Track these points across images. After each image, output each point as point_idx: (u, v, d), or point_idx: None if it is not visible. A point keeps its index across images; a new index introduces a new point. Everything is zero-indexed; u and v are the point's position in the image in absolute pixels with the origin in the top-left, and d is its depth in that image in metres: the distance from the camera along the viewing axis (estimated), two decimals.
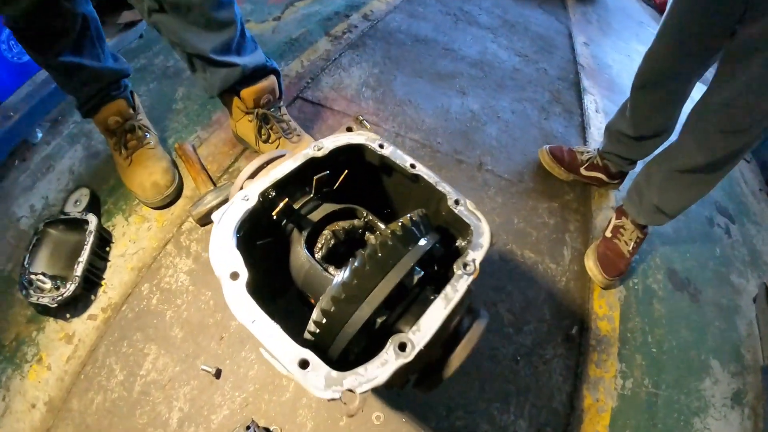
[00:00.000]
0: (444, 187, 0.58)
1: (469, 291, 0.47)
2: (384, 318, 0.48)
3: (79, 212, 1.06)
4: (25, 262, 0.97)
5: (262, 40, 1.77)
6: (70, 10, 0.96)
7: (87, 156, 1.28)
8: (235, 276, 0.48)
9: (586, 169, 1.40)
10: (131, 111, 1.15)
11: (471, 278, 0.48)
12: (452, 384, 0.96)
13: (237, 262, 0.49)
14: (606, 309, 1.20)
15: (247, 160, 1.24)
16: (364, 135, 0.64)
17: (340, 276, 0.48)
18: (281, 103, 1.20)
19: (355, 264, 0.47)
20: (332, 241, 0.61)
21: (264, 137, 1.16)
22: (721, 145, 1.00)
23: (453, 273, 0.48)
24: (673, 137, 1.15)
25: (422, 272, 0.51)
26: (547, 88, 1.93)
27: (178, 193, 1.17)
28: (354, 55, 1.74)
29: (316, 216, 0.64)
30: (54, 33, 0.97)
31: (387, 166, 0.66)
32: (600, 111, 1.85)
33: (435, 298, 0.46)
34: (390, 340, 0.44)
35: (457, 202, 0.58)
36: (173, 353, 0.92)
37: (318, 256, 0.62)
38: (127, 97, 1.15)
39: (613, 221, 1.27)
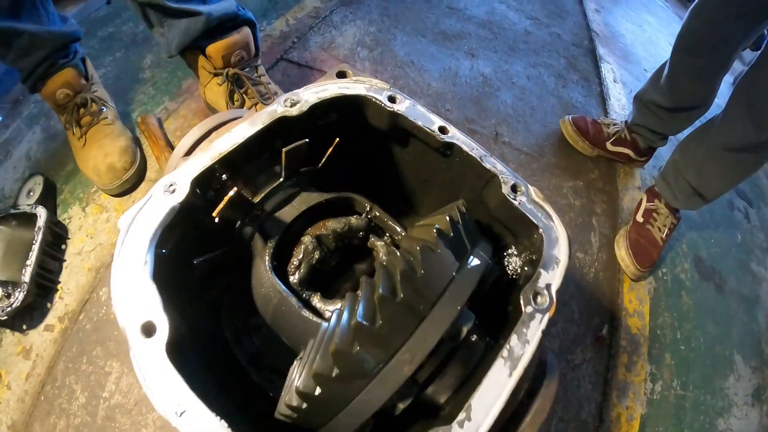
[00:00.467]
0: (494, 165, 0.39)
1: (542, 339, 0.30)
2: (410, 399, 0.30)
3: (29, 205, 0.88)
4: None
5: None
6: None
7: (46, 138, 1.12)
8: (149, 330, 0.29)
9: (613, 143, 1.24)
10: (83, 81, 0.97)
11: (547, 317, 0.30)
12: None
13: (153, 302, 0.30)
14: (636, 304, 1.09)
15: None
16: (365, 82, 0.44)
17: (331, 323, 0.29)
18: (258, 61, 1.01)
19: (359, 307, 0.28)
20: (316, 254, 0.40)
21: (237, 103, 0.97)
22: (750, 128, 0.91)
23: (513, 308, 0.30)
24: (710, 113, 1.04)
25: (473, 317, 0.33)
26: (562, 53, 1.75)
27: (140, 177, 0.99)
28: (347, 12, 1.53)
29: (289, 213, 0.43)
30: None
31: (401, 131, 0.45)
32: (618, 81, 1.69)
33: (488, 348, 0.28)
34: None
35: (514, 188, 0.39)
36: None
37: (294, 278, 0.42)
38: (78, 65, 0.97)
39: (645, 204, 1.13)
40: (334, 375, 0.27)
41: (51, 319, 0.84)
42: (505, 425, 0.31)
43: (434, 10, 1.71)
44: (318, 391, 0.28)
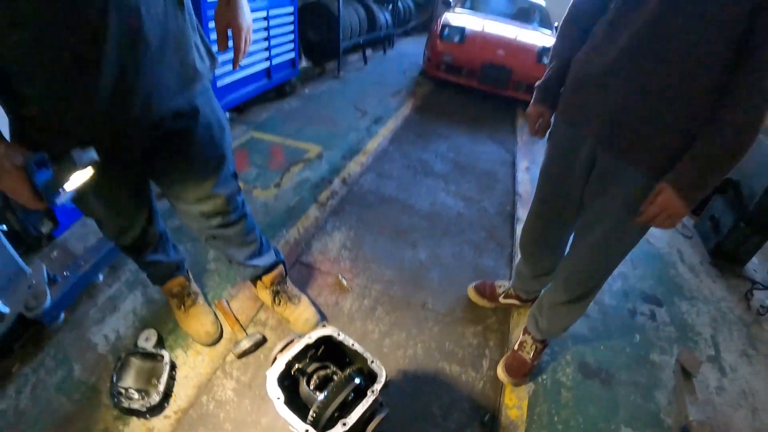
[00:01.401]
0: (366, 355, 1.13)
1: (375, 401, 1.03)
2: (338, 413, 1.02)
3: (153, 347, 1.57)
4: (114, 379, 1.44)
5: (268, 208, 2.41)
6: (155, 232, 1.50)
7: (146, 302, 1.75)
8: (279, 398, 1.02)
9: (504, 298, 1.92)
10: (187, 282, 1.68)
11: (374, 396, 1.02)
12: None
13: (278, 392, 1.03)
14: (516, 400, 1.59)
15: (266, 313, 1.78)
16: (330, 329, 1.20)
17: (320, 396, 1.02)
18: (287, 279, 1.77)
19: (325, 393, 1.01)
20: (317, 380, 1.12)
21: (276, 303, 1.71)
22: (576, 288, 1.43)
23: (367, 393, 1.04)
24: None
25: (352, 394, 1.06)
26: (485, 226, 2.52)
27: (220, 336, 1.67)
28: (335, 221, 2.37)
29: (310, 369, 1.15)
30: (145, 246, 1.47)
31: (341, 343, 1.21)
32: None
33: (359, 402, 1.01)
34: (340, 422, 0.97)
35: (372, 361, 1.11)
36: None
37: (311, 386, 1.12)
38: (186, 274, 1.67)
39: (520, 337, 1.72)
40: (320, 407, 1.00)
41: (169, 411, 1.41)
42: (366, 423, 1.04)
43: (393, 209, 2.53)
44: (317, 411, 1.00)
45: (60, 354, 1.56)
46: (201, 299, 1.70)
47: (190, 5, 1.01)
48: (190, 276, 1.71)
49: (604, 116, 1.14)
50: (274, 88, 4.13)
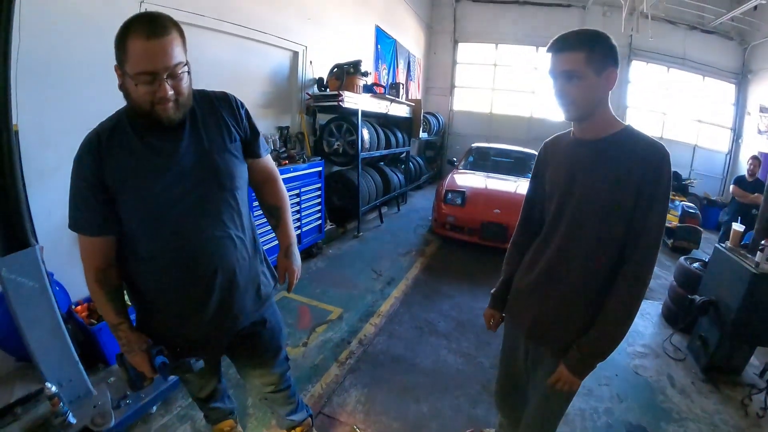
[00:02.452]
0: None
1: None
2: None
3: None
4: None
5: (297, 364, 2.92)
6: (220, 388, 1.95)
7: None
8: None
9: None
10: (235, 424, 2.04)
11: None
12: None
13: None
14: None
15: None
16: None
17: None
18: (313, 429, 2.17)
19: None
20: None
21: None
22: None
23: None
24: None
25: None
26: (480, 380, 2.91)
27: None
28: (352, 378, 2.85)
29: None
30: (212, 398, 1.86)
31: None
32: None
33: None
34: None
35: None
36: None
37: None
38: (234, 418, 2.03)
39: None
40: None
41: None
42: None
43: (401, 369, 2.98)
44: None
45: None
46: None
47: (260, 245, 1.66)
48: (237, 419, 2.15)
49: (529, 318, 1.57)
50: (304, 250, 4.89)
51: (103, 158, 1.23)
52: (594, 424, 2.47)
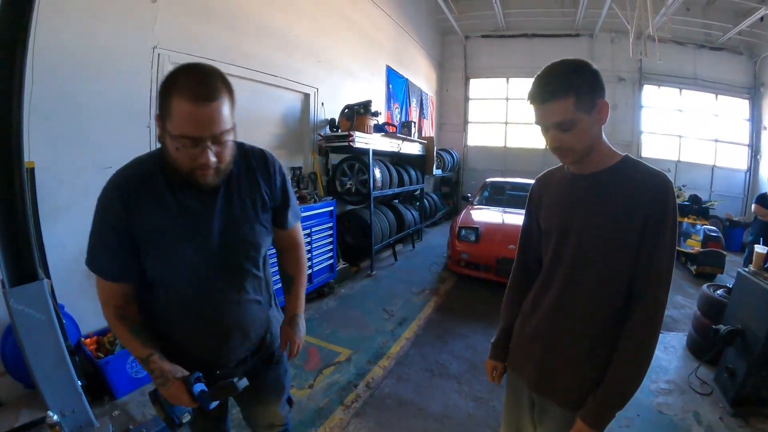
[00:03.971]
0: None
1: None
2: None
3: None
4: None
5: (301, 407, 2.85)
6: (225, 429, 1.76)
7: None
8: None
9: None
10: None
11: None
12: None
13: None
14: None
15: None
16: None
17: None
18: None
19: None
20: None
21: None
22: None
23: None
24: None
25: None
26: (492, 426, 2.77)
27: None
28: (358, 423, 2.75)
29: None
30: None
31: None
32: None
33: None
34: None
35: None
36: None
37: None
38: None
39: None
40: None
41: None
42: None
43: (408, 413, 2.86)
44: None
45: None
46: None
47: (273, 292, 1.65)
48: None
49: (533, 368, 1.47)
50: (315, 290, 4.85)
51: (131, 209, 1.20)
52: None
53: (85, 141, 3.04)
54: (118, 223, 1.20)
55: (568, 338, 1.40)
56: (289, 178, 4.92)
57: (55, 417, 1.99)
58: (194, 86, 1.06)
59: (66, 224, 2.93)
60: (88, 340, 3.00)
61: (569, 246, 1.38)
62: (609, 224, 1.28)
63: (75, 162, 2.99)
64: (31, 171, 2.56)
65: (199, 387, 1.25)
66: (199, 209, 1.26)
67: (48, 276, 2.38)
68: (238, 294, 1.38)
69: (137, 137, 3.40)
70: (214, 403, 1.29)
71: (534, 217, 1.59)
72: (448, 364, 3.58)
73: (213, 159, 1.14)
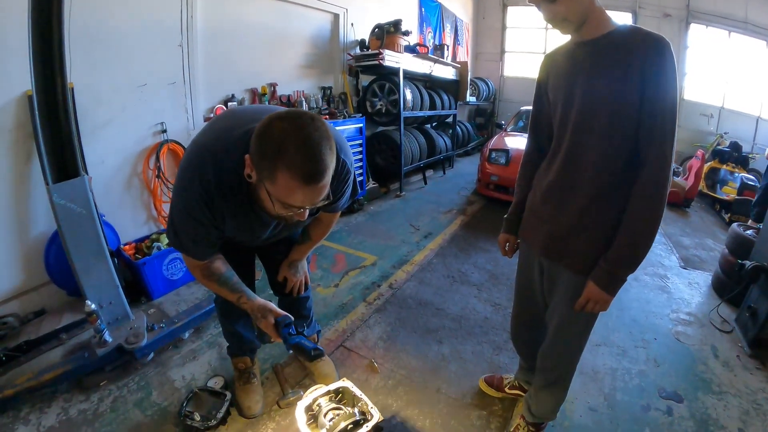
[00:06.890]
0: (368, 402, 1.58)
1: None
2: None
3: (219, 388, 2.06)
4: (184, 404, 1.92)
5: (326, 302, 3.06)
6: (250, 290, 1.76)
7: (220, 358, 2.35)
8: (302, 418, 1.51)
9: (509, 388, 2.21)
10: (251, 364, 2.07)
11: (367, 429, 1.47)
12: None
13: (303, 416, 1.52)
14: None
15: (310, 380, 2.09)
16: (347, 382, 1.69)
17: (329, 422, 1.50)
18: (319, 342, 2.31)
19: (332, 419, 1.51)
20: (330, 414, 1.56)
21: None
22: (550, 373, 1.69)
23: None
24: None
25: (352, 425, 1.48)
26: (507, 330, 2.75)
27: (261, 408, 2.00)
28: (378, 317, 2.90)
29: (328, 407, 1.60)
30: (239, 316, 1.92)
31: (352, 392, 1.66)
32: None
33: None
34: None
35: (371, 407, 1.56)
36: None
37: (326, 417, 1.55)
38: (252, 357, 2.08)
39: (516, 421, 1.99)
40: None
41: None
42: None
43: (427, 312, 2.99)
44: None
45: (143, 381, 2.19)
46: (256, 380, 2.08)
47: None
48: (256, 360, 2.16)
49: (544, 234, 1.54)
50: None
51: (215, 208, 1.30)
52: (625, 384, 2.33)
53: (120, 62, 3.20)
54: (208, 221, 1.32)
55: (576, 202, 1.43)
56: (318, 95, 4.86)
57: (93, 305, 2.17)
58: (305, 164, 1.02)
59: (105, 141, 3.17)
60: (126, 247, 3.19)
61: (574, 110, 1.39)
62: (609, 84, 1.28)
63: (111, 82, 3.17)
64: (71, 91, 2.65)
65: (285, 331, 1.51)
66: (267, 220, 1.44)
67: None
68: (282, 255, 1.90)
69: (169, 56, 3.55)
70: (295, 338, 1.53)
71: (543, 92, 1.60)
72: (470, 273, 3.66)
73: (307, 215, 1.24)
